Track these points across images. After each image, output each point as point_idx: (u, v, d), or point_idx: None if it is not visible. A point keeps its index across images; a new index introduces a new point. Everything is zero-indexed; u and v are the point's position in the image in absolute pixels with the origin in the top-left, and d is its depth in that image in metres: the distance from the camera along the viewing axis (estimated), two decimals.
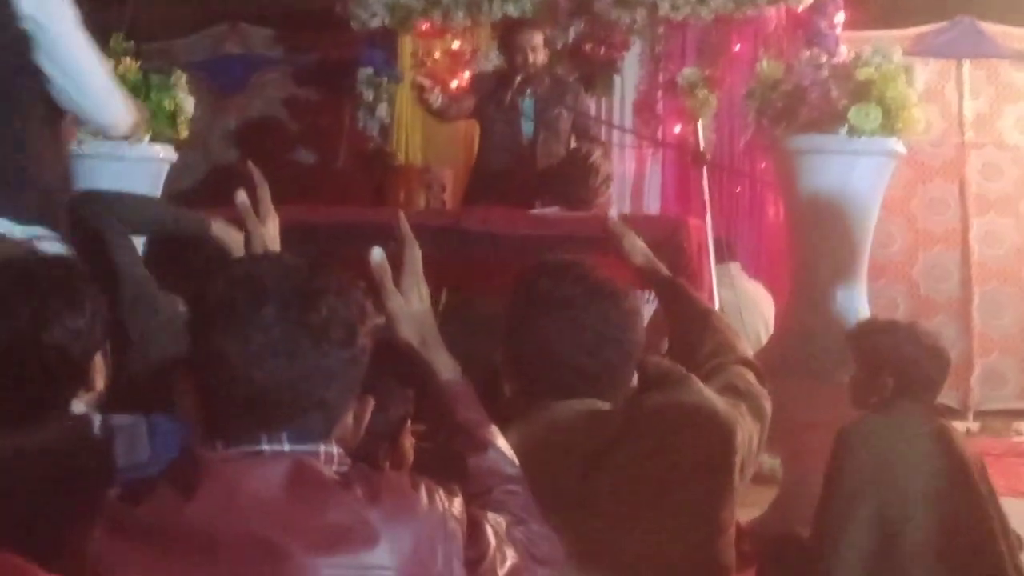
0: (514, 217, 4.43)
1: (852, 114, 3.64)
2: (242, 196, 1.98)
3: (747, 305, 4.99)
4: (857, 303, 3.85)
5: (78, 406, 1.72)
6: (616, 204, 6.11)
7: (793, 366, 3.79)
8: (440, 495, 1.36)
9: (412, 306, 1.62)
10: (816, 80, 3.73)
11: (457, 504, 1.37)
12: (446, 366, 1.63)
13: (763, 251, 5.79)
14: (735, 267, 5.13)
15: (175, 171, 4.52)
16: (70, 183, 2.74)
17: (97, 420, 1.68)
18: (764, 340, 4.67)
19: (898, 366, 2.88)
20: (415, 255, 1.66)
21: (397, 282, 1.61)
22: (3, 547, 1.20)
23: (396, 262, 1.63)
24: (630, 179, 6.14)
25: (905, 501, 2.78)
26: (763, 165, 5.81)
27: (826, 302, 3.80)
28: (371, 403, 1.44)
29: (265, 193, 2.05)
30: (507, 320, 1.93)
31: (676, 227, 4.05)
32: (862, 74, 3.67)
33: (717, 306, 4.41)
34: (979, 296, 6.25)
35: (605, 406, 1.87)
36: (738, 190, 6.08)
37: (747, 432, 1.97)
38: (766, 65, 3.92)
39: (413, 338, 1.61)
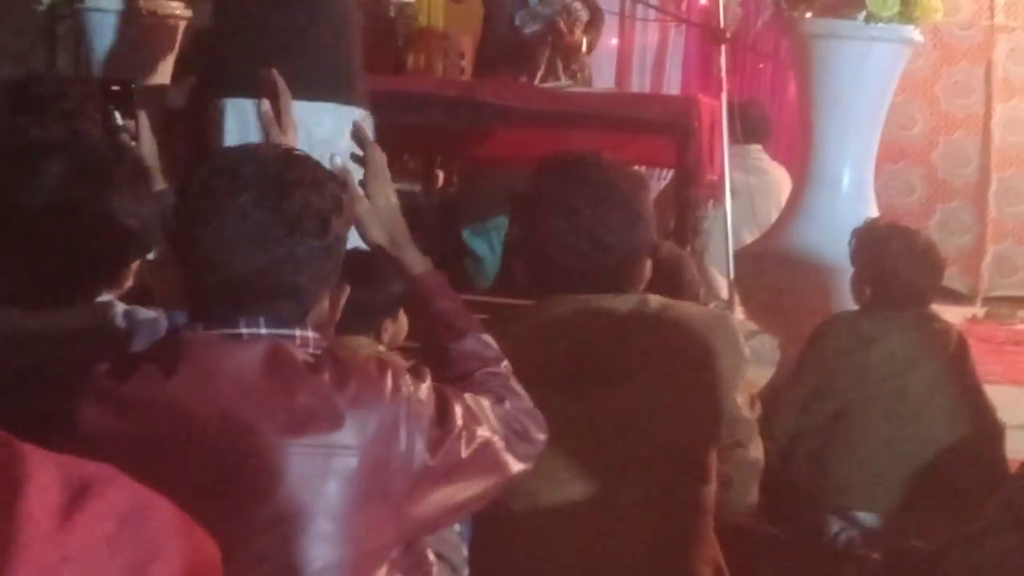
0: (526, 91, 4.43)
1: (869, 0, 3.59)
2: (266, 105, 2.02)
3: (760, 190, 4.99)
4: (866, 191, 3.86)
5: (104, 297, 1.76)
6: (637, 78, 6.08)
7: (797, 250, 3.82)
8: (406, 379, 1.42)
9: (379, 207, 1.67)
10: None
11: (424, 388, 1.43)
12: (416, 261, 1.68)
13: (783, 133, 5.76)
14: (755, 149, 5.10)
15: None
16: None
17: (120, 310, 1.73)
18: None
19: (877, 276, 2.92)
20: (377, 157, 1.70)
21: (364, 184, 1.67)
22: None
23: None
24: (651, 54, 6.08)
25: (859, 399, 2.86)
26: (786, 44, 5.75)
27: (834, 187, 3.81)
28: (347, 290, 1.50)
29: (287, 102, 2.09)
30: (513, 212, 1.97)
31: (687, 106, 4.05)
32: None
33: (728, 188, 4.42)
34: (996, 182, 6.22)
35: (615, 300, 1.90)
36: (760, 71, 6.03)
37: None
38: None
39: (382, 238, 1.67)
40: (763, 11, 5.66)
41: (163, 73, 4.38)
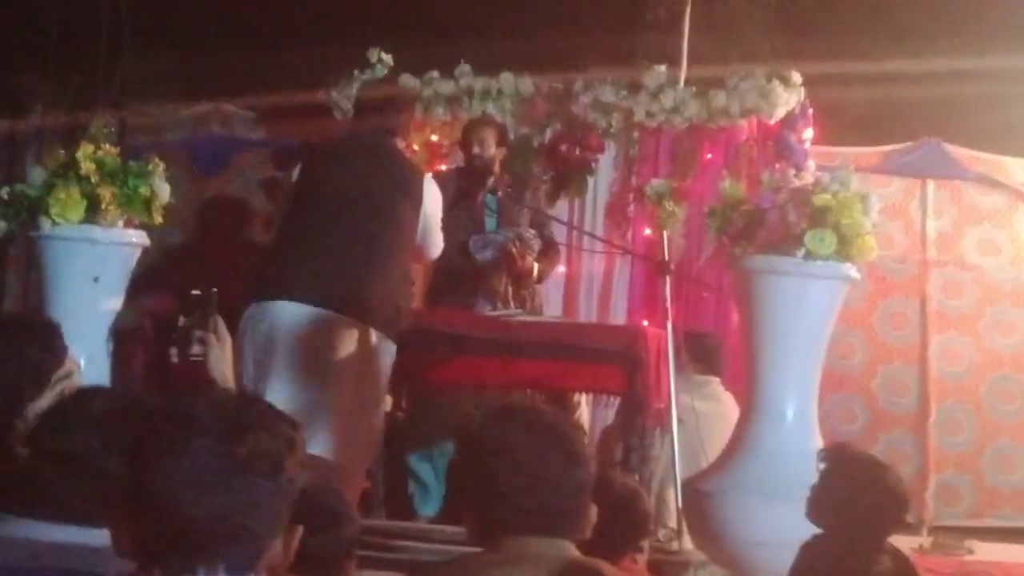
0: (477, 320, 4.51)
1: (808, 239, 3.75)
2: (199, 333, 2.09)
3: (710, 418, 5.01)
4: (810, 422, 3.92)
5: None
6: (584, 306, 6.21)
7: (746, 484, 3.84)
8: None
9: None
10: (775, 203, 3.84)
11: None
12: None
13: (735, 365, 5.87)
14: (714, 381, 5.18)
15: (152, 244, 4.57)
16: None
17: None
18: None
19: (854, 508, 2.93)
20: None
21: None
22: None
23: None
24: (598, 282, 6.23)
25: None
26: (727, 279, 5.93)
27: (779, 419, 3.87)
28: (299, 531, 1.49)
29: (218, 321, 2.16)
30: (460, 465, 2.05)
31: (634, 336, 4.13)
32: (819, 200, 3.78)
33: (674, 414, 4.47)
34: (936, 412, 6.34)
35: (566, 545, 1.94)
36: (705, 295, 6.18)
37: None
38: (728, 185, 4.04)
39: None
40: (705, 245, 5.86)
41: (117, 300, 4.42)
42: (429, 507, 5.22)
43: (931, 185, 6.49)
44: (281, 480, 1.40)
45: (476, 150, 5.23)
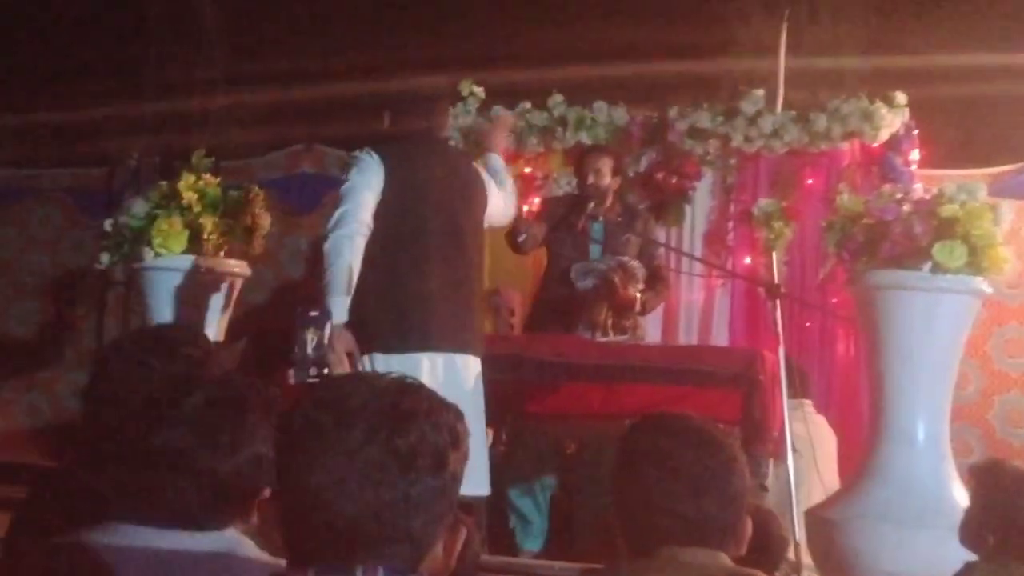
0: (585, 346, 4.38)
1: (936, 251, 3.57)
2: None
3: (819, 443, 4.85)
4: (942, 445, 3.72)
5: (232, 531, 1.70)
6: (684, 335, 6.05)
7: (875, 510, 3.65)
8: None
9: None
10: (899, 215, 3.67)
11: None
12: None
13: (832, 388, 5.67)
14: (808, 404, 5.01)
15: (248, 285, 4.54)
16: None
17: (248, 549, 1.66)
18: (832, 476, 4.54)
19: (1007, 524, 2.74)
20: None
21: None
22: None
23: None
24: (698, 309, 6.07)
25: None
26: (835, 300, 5.74)
27: (910, 442, 3.67)
28: (463, 533, 1.37)
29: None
30: (613, 476, 1.97)
31: (751, 358, 3.97)
32: (946, 211, 3.61)
33: (788, 441, 4.29)
34: None
35: (722, 557, 1.86)
36: (808, 324, 5.99)
37: None
38: (846, 198, 3.88)
39: None
40: (810, 267, 5.68)
41: (218, 332, 4.38)
42: (532, 542, 5.07)
43: None
44: (445, 476, 1.28)
45: (591, 179, 5.12)
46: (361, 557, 1.25)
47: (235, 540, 1.66)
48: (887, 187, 3.89)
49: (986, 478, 2.78)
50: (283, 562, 1.44)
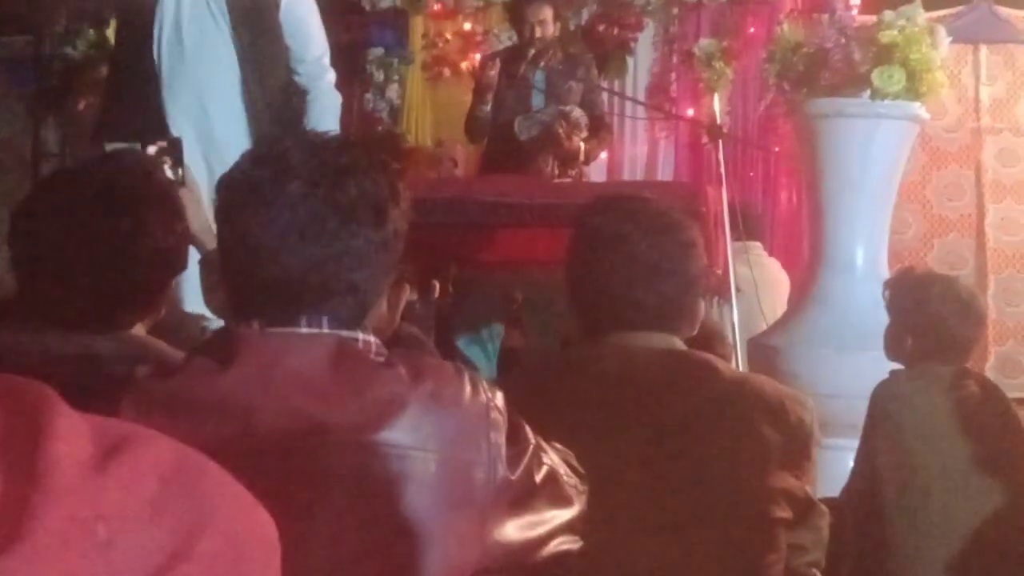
0: (528, 185, 4.37)
1: (875, 76, 3.58)
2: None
3: (765, 284, 4.91)
4: (880, 270, 3.78)
5: (139, 329, 1.68)
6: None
7: (816, 336, 3.73)
8: (483, 384, 1.29)
9: None
10: (838, 43, 3.66)
11: (499, 397, 1.30)
12: None
13: (777, 232, 5.73)
14: (755, 246, 5.05)
15: None
16: None
17: (158, 347, 1.63)
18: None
19: (921, 325, 2.79)
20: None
21: None
22: None
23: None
24: (642, 158, 6.08)
25: (923, 476, 2.72)
26: (776, 149, 5.77)
27: (849, 268, 3.73)
28: (406, 290, 1.37)
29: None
30: (567, 260, 1.92)
31: (694, 193, 3.98)
32: (885, 36, 3.61)
33: (732, 282, 4.33)
34: (994, 283, 6.17)
35: (675, 341, 1.84)
36: (751, 174, 6.03)
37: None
38: (787, 28, 3.86)
39: None
40: (753, 112, 5.69)
41: None
42: None
43: (984, 50, 6.25)
44: (386, 230, 1.27)
45: (537, 31, 5.03)
46: (305, 309, 1.25)
47: (141, 342, 1.64)
48: (825, 17, 3.86)
49: (898, 287, 2.83)
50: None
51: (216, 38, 3.35)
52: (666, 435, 1.78)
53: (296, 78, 3.47)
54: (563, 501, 1.37)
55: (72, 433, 0.59)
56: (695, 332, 1.91)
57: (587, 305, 1.87)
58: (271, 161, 1.27)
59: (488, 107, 5.05)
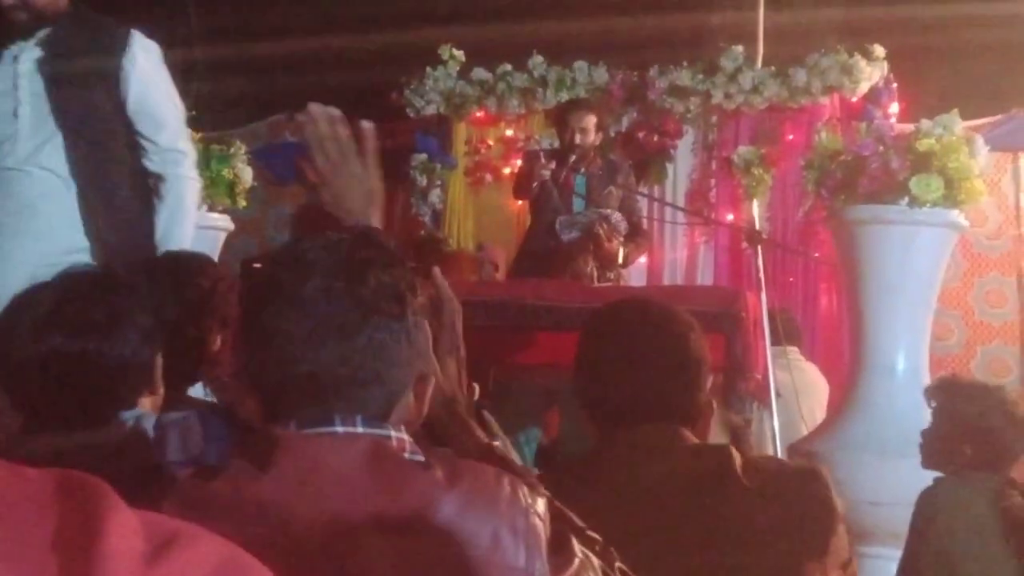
0: (567, 289, 4.40)
1: (913, 184, 3.60)
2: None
3: (804, 389, 4.89)
4: (921, 376, 3.76)
5: (143, 405, 1.71)
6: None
7: (857, 442, 3.69)
8: (523, 490, 1.28)
9: (447, 372, 1.61)
10: (876, 151, 3.70)
11: (541, 504, 1.29)
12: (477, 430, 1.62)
13: (817, 336, 5.71)
14: (793, 351, 5.04)
15: (234, 254, 4.56)
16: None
17: (151, 419, 1.66)
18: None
19: (979, 434, 2.78)
20: (454, 309, 1.66)
21: (435, 347, 1.58)
22: None
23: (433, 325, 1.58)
24: (682, 262, 6.11)
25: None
26: (816, 255, 5.78)
27: (890, 374, 3.71)
28: (432, 381, 1.39)
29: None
30: (575, 361, 1.98)
31: (734, 297, 3.99)
32: (923, 145, 3.64)
33: (772, 387, 4.32)
34: None
35: (682, 431, 1.86)
36: (791, 279, 6.04)
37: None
38: (825, 136, 3.91)
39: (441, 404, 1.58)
40: (792, 220, 5.72)
41: None
42: None
43: (1023, 158, 6.28)
44: (407, 321, 1.30)
45: (576, 138, 5.12)
46: (336, 406, 1.27)
47: (136, 419, 1.68)
48: (863, 125, 3.91)
49: (950, 395, 2.82)
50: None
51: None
52: (691, 536, 1.77)
53: (149, 165, 3.20)
54: None
55: (125, 529, 0.61)
56: (706, 433, 1.95)
57: (592, 401, 1.93)
58: (290, 261, 1.31)
59: (543, 172, 5.11)
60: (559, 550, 1.28)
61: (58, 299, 1.67)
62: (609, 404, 1.90)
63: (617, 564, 1.41)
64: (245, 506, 1.20)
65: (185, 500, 1.21)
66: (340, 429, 1.27)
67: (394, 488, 1.22)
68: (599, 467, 1.90)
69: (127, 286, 1.76)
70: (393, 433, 1.29)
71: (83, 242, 3.03)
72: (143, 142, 3.16)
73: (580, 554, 1.31)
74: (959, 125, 3.73)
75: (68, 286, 1.71)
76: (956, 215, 3.72)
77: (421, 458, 1.27)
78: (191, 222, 3.29)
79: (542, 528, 1.26)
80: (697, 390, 1.90)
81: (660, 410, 1.85)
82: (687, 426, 1.88)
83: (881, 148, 3.69)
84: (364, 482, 1.22)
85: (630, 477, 1.83)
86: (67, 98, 3.05)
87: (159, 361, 1.75)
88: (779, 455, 4.15)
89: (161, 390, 1.75)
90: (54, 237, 3.00)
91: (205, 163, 4.30)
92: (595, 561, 1.36)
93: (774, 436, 4.31)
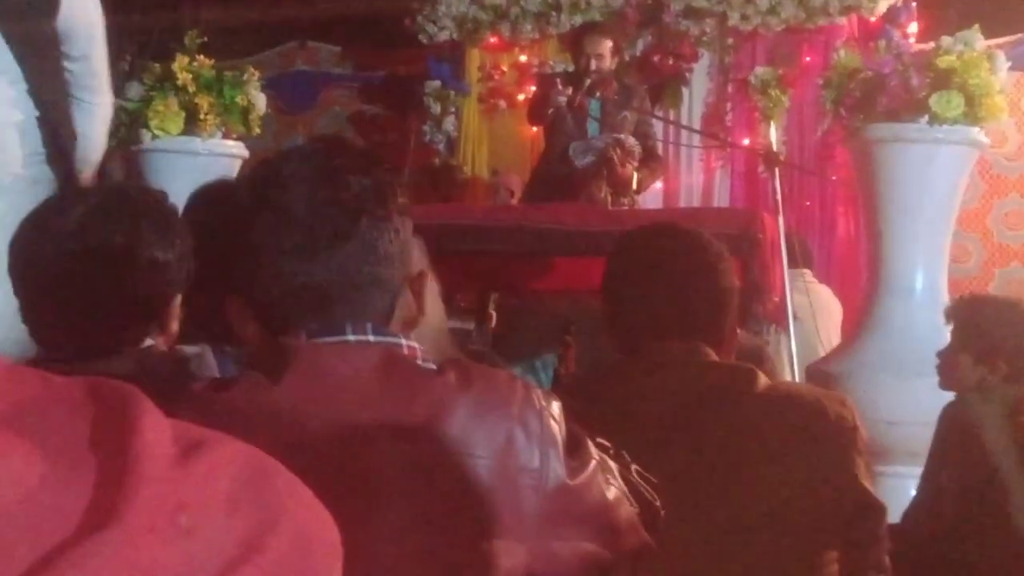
0: (583, 213, 4.39)
1: (933, 101, 3.56)
2: None
3: (820, 311, 4.88)
4: (939, 296, 3.75)
5: (148, 342, 1.70)
6: None
7: (875, 362, 3.70)
8: (537, 392, 1.29)
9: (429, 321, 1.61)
10: (895, 68, 3.65)
11: (556, 406, 1.30)
12: None
13: (833, 259, 5.69)
14: (808, 273, 5.03)
15: None
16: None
17: (160, 352, 1.66)
18: (836, 343, 4.57)
19: (1000, 351, 2.78)
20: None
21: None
22: None
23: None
24: (698, 186, 6.08)
25: (991, 499, 2.70)
26: (834, 177, 5.74)
27: (908, 294, 3.70)
28: (427, 276, 1.38)
29: None
30: (604, 279, 2.01)
31: (751, 218, 3.98)
32: (943, 62, 3.59)
33: (790, 309, 4.32)
34: None
35: (704, 349, 1.88)
36: (807, 202, 6.01)
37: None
38: (843, 54, 3.86)
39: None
40: (809, 141, 5.68)
41: None
42: None
43: None
44: (394, 219, 1.29)
45: (592, 63, 5.07)
46: (341, 314, 1.27)
47: (148, 353, 1.67)
48: (883, 42, 3.86)
49: (969, 313, 2.82)
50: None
51: None
52: (708, 446, 1.80)
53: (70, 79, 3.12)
54: (631, 531, 1.36)
55: (157, 429, 0.62)
56: (731, 355, 1.96)
57: (619, 321, 1.95)
58: (266, 177, 1.30)
59: (559, 99, 5.07)
60: (575, 452, 1.29)
61: (83, 217, 1.66)
62: (634, 321, 1.92)
63: (633, 467, 1.42)
64: (259, 415, 1.21)
65: (199, 409, 1.22)
66: (352, 338, 1.27)
67: (407, 394, 1.23)
68: (617, 379, 1.93)
69: (151, 207, 1.75)
70: (404, 341, 1.29)
71: (40, 148, 3.00)
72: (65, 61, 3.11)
73: (596, 456, 1.32)
74: (980, 41, 3.68)
75: (98, 204, 1.69)
76: (977, 132, 3.68)
77: (433, 366, 1.28)
78: (103, 142, 3.26)
79: (558, 430, 1.27)
80: (724, 315, 1.92)
81: (686, 328, 1.88)
82: (711, 347, 1.90)
83: (900, 65, 3.65)
84: (377, 389, 1.23)
85: (649, 386, 1.86)
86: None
87: (177, 300, 1.75)
88: (796, 376, 4.16)
89: (173, 330, 1.75)
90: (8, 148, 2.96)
91: (218, 90, 4.27)
92: (612, 464, 1.38)
93: (791, 358, 4.31)
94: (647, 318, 1.90)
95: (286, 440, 1.18)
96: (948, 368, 2.84)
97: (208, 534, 0.60)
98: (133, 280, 1.65)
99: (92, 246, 1.62)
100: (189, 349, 1.74)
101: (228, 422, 1.20)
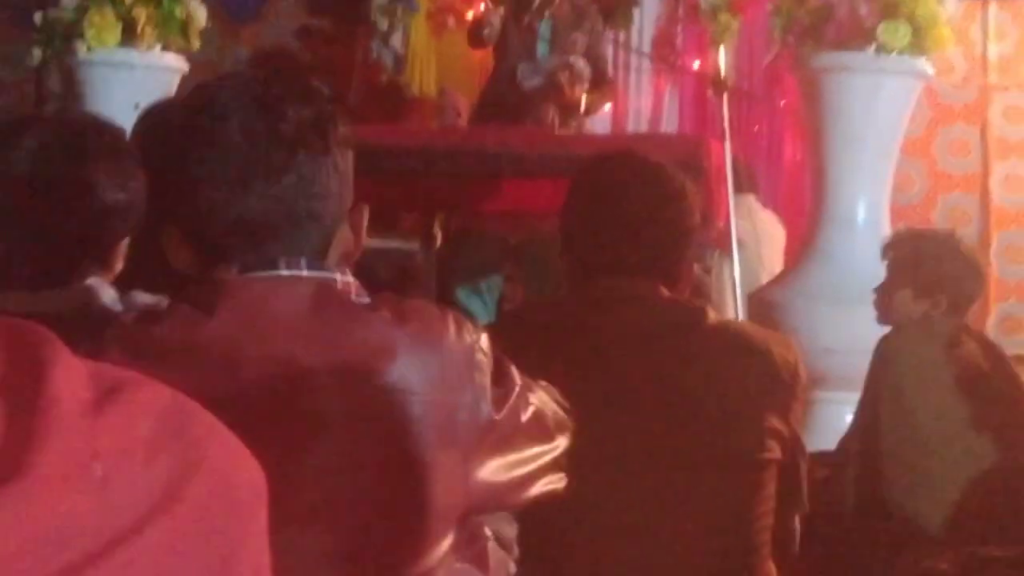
0: (530, 136, 4.36)
1: (881, 30, 3.56)
2: None
3: (764, 237, 4.92)
4: (882, 227, 3.79)
5: (92, 279, 1.66)
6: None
7: (816, 290, 3.74)
8: (467, 327, 1.30)
9: None
10: None
11: (484, 339, 1.31)
12: None
13: (780, 186, 5.72)
14: (752, 198, 5.05)
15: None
16: None
17: (112, 294, 1.62)
18: (779, 268, 4.61)
19: (926, 283, 2.82)
20: None
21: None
22: None
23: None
24: (647, 110, 6.06)
25: (923, 430, 2.76)
26: (783, 102, 5.75)
27: (850, 223, 3.74)
28: (366, 210, 1.37)
29: None
30: (563, 208, 1.99)
31: (696, 146, 3.97)
32: None
33: (734, 236, 4.34)
34: (997, 241, 6.16)
35: (659, 287, 1.88)
36: (756, 129, 6.02)
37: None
38: None
39: None
40: (758, 67, 5.66)
41: None
42: None
43: (993, 6, 6.20)
44: (334, 153, 1.27)
45: None
46: (275, 248, 1.25)
47: (91, 291, 1.64)
48: None
49: (902, 245, 2.85)
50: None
51: None
52: (655, 379, 1.82)
53: None
54: (548, 439, 1.38)
55: (71, 375, 0.60)
56: (686, 292, 1.96)
57: (575, 252, 1.93)
58: (202, 107, 1.27)
59: (495, 19, 5.01)
60: (499, 380, 1.30)
61: (54, 136, 1.61)
62: (591, 256, 1.90)
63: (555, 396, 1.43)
64: (192, 350, 1.20)
65: (129, 345, 1.21)
66: (285, 272, 1.25)
67: (342, 331, 1.23)
68: (567, 312, 1.93)
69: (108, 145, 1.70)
70: (339, 276, 1.28)
71: None
72: None
73: (519, 380, 1.33)
74: None
75: (55, 130, 1.64)
76: (922, 63, 3.69)
77: (367, 300, 1.27)
78: None
79: (487, 364, 1.28)
80: (682, 254, 1.92)
81: (642, 265, 1.87)
82: (667, 285, 1.90)
83: None
84: (312, 324, 1.22)
85: (600, 322, 1.86)
86: None
87: (126, 240, 1.71)
88: (739, 302, 4.20)
89: (117, 269, 1.71)
90: None
91: (156, 1, 4.16)
92: (531, 383, 1.39)
93: (734, 284, 4.35)
94: (603, 253, 1.88)
95: (221, 376, 1.18)
96: (887, 303, 2.87)
97: (125, 483, 0.59)
98: (85, 220, 1.61)
99: (44, 182, 1.57)
100: (144, 297, 1.70)
101: (160, 357, 1.19)
